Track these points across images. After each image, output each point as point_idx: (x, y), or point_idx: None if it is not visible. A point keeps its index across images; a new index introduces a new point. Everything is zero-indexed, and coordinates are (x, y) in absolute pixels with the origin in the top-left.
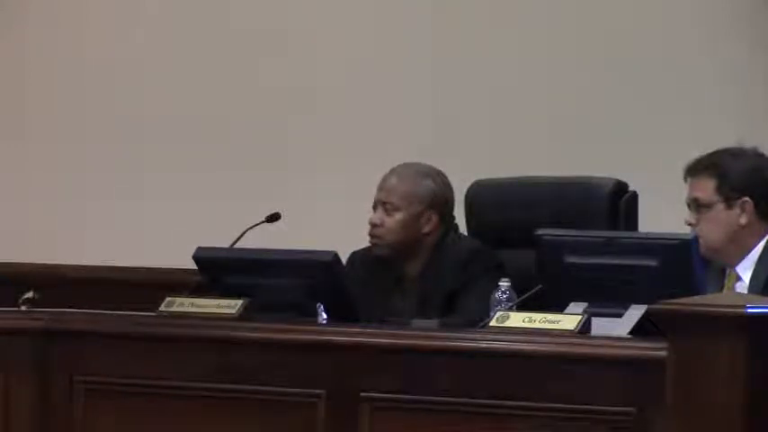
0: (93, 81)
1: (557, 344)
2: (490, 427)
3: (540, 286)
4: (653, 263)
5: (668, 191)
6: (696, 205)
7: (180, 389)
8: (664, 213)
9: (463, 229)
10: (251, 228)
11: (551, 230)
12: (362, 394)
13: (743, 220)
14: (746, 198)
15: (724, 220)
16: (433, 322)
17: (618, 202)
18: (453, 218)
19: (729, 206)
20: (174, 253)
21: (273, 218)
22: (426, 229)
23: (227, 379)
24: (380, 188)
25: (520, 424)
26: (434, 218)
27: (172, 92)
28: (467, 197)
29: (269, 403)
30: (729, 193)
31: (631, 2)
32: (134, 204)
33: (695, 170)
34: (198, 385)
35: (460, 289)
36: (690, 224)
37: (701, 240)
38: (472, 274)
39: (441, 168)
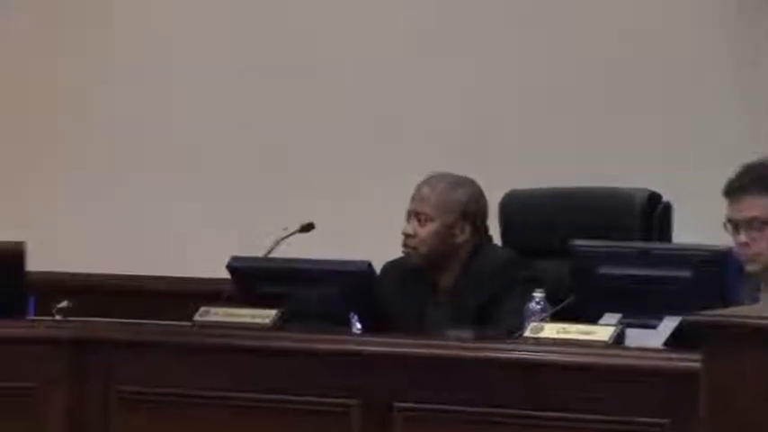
0: (124, 83)
1: (591, 355)
2: None
3: (572, 297)
4: (687, 274)
5: (702, 202)
6: (754, 223)
7: (214, 398)
8: (698, 224)
9: (497, 239)
10: (285, 238)
11: (586, 241)
12: (396, 404)
13: None
14: None
15: None
16: (467, 333)
17: (652, 213)
18: (487, 228)
19: None
20: (207, 263)
21: (307, 228)
22: (459, 239)
23: (260, 389)
24: (413, 198)
25: None
26: (467, 228)
27: (203, 95)
28: (501, 207)
29: (302, 413)
30: None
31: (661, 11)
32: (164, 212)
33: (744, 189)
34: (232, 395)
35: (494, 299)
36: (744, 244)
37: (759, 258)
38: (506, 284)
39: (473, 178)
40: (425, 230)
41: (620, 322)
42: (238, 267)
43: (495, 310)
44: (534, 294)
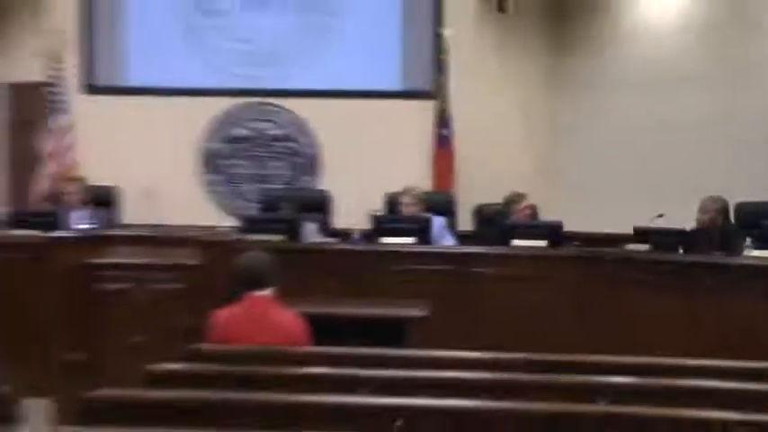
0: None
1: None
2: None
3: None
4: None
5: None
6: None
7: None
8: None
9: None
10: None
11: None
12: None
13: None
14: None
15: None
16: (722, 254)
17: None
18: (729, 218)
19: None
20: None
21: (661, 215)
22: (718, 222)
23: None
24: (701, 205)
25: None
26: (721, 217)
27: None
28: (735, 208)
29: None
30: None
31: None
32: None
33: None
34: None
35: (732, 244)
36: None
37: None
38: (736, 236)
39: (722, 194)
40: (706, 217)
41: None
42: (639, 229)
43: (730, 250)
44: (749, 238)
